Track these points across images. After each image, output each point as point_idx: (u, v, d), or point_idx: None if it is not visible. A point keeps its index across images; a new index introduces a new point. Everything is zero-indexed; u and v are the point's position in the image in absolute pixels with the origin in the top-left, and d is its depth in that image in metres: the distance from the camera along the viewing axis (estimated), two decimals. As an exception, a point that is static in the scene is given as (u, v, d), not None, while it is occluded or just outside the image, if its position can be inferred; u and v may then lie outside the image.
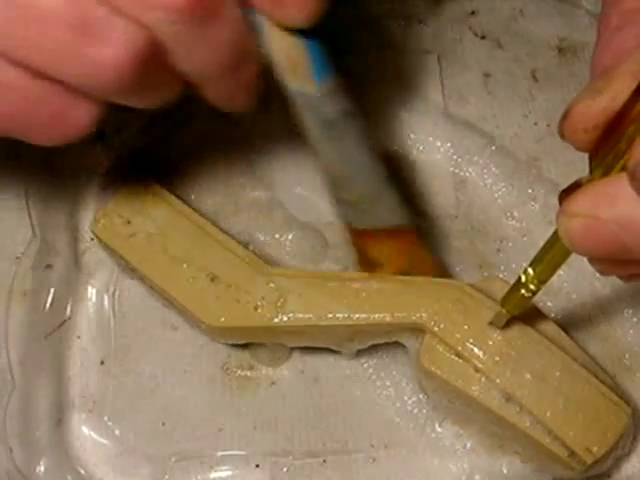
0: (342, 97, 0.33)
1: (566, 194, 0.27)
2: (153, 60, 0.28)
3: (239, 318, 0.38)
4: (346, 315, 0.38)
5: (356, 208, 0.37)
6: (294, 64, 0.30)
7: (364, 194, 0.37)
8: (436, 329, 0.37)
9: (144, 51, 0.28)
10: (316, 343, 0.40)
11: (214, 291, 0.39)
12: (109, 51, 0.27)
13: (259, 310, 0.38)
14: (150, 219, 0.41)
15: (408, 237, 0.39)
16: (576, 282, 0.43)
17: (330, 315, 0.38)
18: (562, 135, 0.28)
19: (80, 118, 0.30)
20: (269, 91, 0.49)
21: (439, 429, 0.40)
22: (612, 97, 0.27)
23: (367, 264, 0.39)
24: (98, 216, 0.41)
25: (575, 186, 0.28)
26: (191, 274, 0.39)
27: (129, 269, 0.41)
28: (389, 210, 0.38)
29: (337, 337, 0.39)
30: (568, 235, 0.27)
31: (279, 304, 0.38)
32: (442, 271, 0.41)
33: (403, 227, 0.38)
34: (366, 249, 0.39)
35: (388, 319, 0.37)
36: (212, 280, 0.39)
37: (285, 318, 0.38)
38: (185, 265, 0.40)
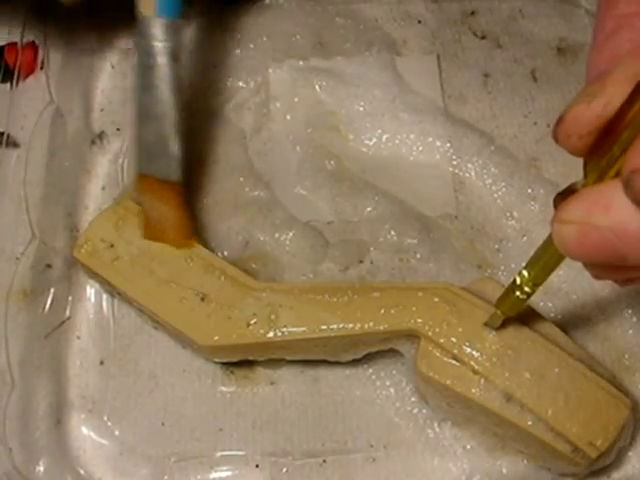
0: (174, 41, 0.39)
1: (561, 198, 0.27)
2: None
3: (232, 336, 0.38)
4: (340, 325, 0.37)
5: (144, 150, 0.41)
6: None
7: (153, 135, 0.41)
8: (431, 333, 0.37)
9: None
10: (311, 356, 0.40)
11: (205, 310, 0.39)
12: None
13: (252, 326, 0.38)
14: (133, 241, 0.41)
15: (174, 192, 0.41)
16: (576, 282, 0.43)
17: (324, 326, 0.38)
18: (556, 140, 0.28)
19: None
20: (267, 93, 0.49)
21: (438, 429, 0.40)
22: (606, 103, 0.26)
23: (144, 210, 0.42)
24: (80, 242, 0.41)
25: (569, 191, 0.28)
26: (180, 295, 0.39)
27: (116, 293, 0.41)
28: (166, 164, 0.41)
29: (332, 348, 0.39)
30: (562, 241, 0.27)
31: (272, 319, 0.38)
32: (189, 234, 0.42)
33: (172, 182, 0.41)
34: (143, 194, 0.42)
35: (382, 327, 0.37)
36: (202, 299, 0.39)
37: (279, 333, 0.38)
38: (173, 286, 0.39)
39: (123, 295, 0.41)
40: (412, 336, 0.37)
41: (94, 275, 0.41)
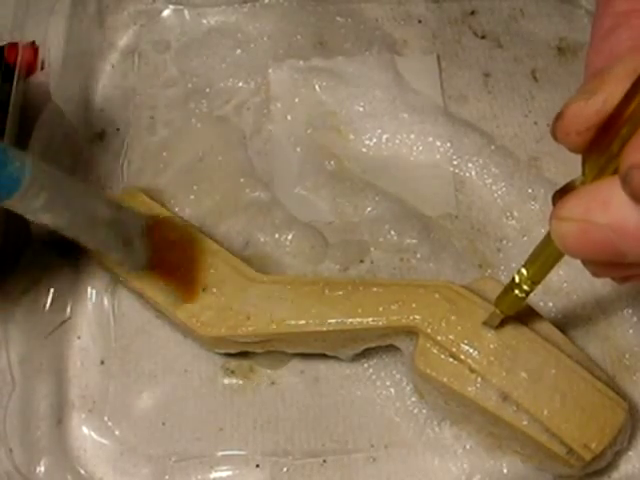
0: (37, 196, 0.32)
1: (559, 196, 0.27)
2: None
3: (232, 327, 0.38)
4: (339, 320, 0.37)
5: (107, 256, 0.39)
6: None
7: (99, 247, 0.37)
8: (429, 331, 0.37)
9: None
10: (311, 349, 0.40)
11: (206, 301, 0.39)
12: None
13: (252, 318, 0.38)
14: None
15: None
16: (576, 282, 0.43)
17: (323, 320, 0.38)
18: (555, 137, 0.28)
19: None
20: (267, 93, 0.49)
21: (438, 429, 0.40)
22: (605, 99, 0.26)
23: None
24: None
25: (568, 188, 0.28)
26: None
27: (120, 281, 0.42)
28: (130, 262, 0.38)
29: (331, 343, 0.39)
30: (561, 239, 0.27)
31: (272, 311, 0.38)
32: None
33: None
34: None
35: (381, 322, 0.37)
36: (203, 290, 0.39)
37: (278, 325, 0.38)
38: None
39: (126, 283, 0.41)
40: (411, 332, 0.37)
41: (99, 263, 0.41)
